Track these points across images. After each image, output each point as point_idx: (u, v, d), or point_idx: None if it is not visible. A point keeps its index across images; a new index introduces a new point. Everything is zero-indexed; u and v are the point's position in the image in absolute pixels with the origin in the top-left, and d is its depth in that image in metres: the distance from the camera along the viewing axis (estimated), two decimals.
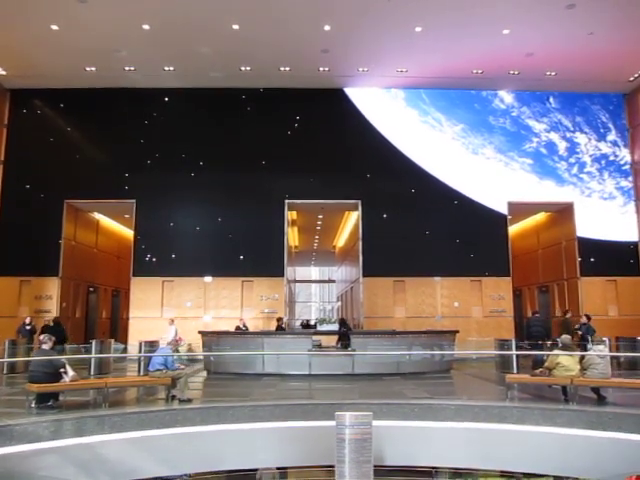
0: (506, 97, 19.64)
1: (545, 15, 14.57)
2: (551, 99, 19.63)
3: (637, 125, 19.12)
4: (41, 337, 9.37)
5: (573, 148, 19.44)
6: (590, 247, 18.49)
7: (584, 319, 13.98)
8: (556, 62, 17.25)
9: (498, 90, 19.40)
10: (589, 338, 12.44)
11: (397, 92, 19.37)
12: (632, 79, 18.34)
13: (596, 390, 9.04)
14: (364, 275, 18.28)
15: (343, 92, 19.10)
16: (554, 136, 19.51)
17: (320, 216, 22.80)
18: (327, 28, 15.22)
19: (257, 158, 18.61)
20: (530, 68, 17.51)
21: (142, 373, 11.83)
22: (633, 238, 18.74)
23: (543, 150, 19.41)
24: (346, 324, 15.33)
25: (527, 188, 19.06)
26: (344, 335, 13.97)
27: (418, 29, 15.31)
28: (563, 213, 19.59)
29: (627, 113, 19.50)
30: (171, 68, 17.44)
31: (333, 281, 38.55)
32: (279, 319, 16.38)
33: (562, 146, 19.45)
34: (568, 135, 19.54)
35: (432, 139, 19.27)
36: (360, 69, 17.78)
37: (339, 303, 33.42)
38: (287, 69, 17.54)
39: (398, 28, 15.29)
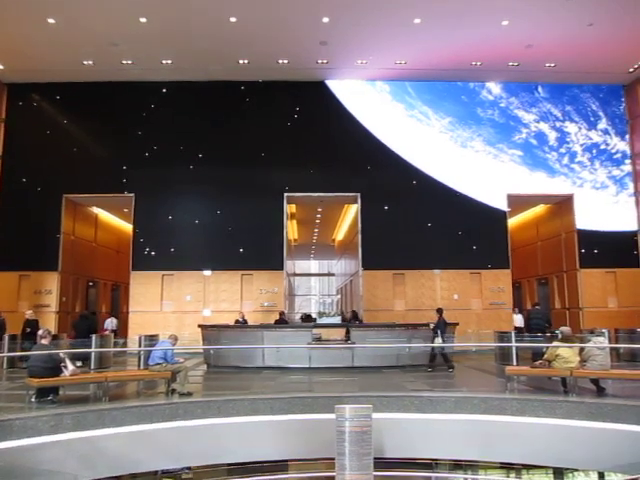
0: (494, 88, 19.49)
1: (544, 6, 14.51)
2: (539, 88, 19.50)
3: (637, 116, 19.06)
4: (40, 332, 9.36)
5: (563, 138, 19.33)
6: (589, 239, 18.48)
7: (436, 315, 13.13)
8: (555, 54, 17.17)
9: (498, 82, 19.31)
10: (438, 332, 12.51)
11: (382, 86, 19.23)
12: (632, 70, 18.26)
13: (595, 381, 9.06)
14: (364, 268, 18.28)
15: (341, 85, 19.03)
16: (544, 126, 19.38)
17: (319, 209, 22.78)
18: (325, 20, 15.14)
19: (256, 151, 18.55)
20: (529, 60, 17.44)
21: (142, 367, 11.83)
22: (631, 228, 18.72)
23: (533, 141, 19.29)
24: (357, 317, 15.42)
25: (526, 180, 19.02)
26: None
27: (417, 21, 15.24)
28: (562, 205, 19.56)
29: (627, 104, 19.43)
30: (169, 61, 17.35)
31: (332, 274, 38.58)
32: (281, 312, 16.41)
33: (552, 136, 19.31)
34: (558, 125, 19.41)
35: (421, 133, 19.11)
36: (359, 61, 17.69)
37: (339, 296, 33.45)
38: (285, 62, 17.45)
39: (397, 20, 15.20)
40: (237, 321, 15.60)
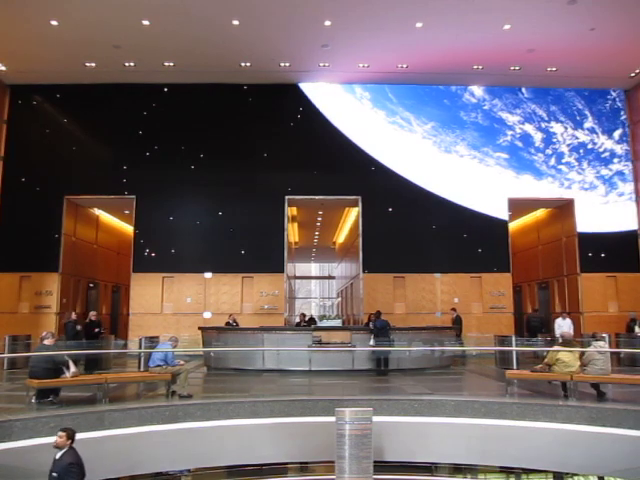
0: (476, 90, 19.33)
1: (546, 10, 14.52)
2: (523, 89, 19.37)
3: (638, 121, 19.07)
4: (43, 333, 9.38)
5: (550, 138, 19.22)
6: (590, 243, 18.44)
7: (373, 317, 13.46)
8: (557, 58, 17.19)
9: (497, 86, 19.29)
10: (371, 337, 12.75)
11: (363, 93, 19.14)
12: (633, 75, 18.28)
13: (596, 386, 9.05)
14: (364, 271, 18.28)
15: (339, 89, 19.06)
16: (529, 127, 19.22)
17: (320, 212, 22.78)
18: (327, 23, 15.17)
19: (258, 153, 18.57)
20: (531, 64, 17.46)
21: (142, 369, 11.83)
22: (630, 227, 18.67)
23: (519, 143, 19.18)
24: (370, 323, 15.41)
25: (527, 185, 18.99)
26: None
27: (419, 25, 15.27)
28: (563, 209, 19.55)
29: (628, 109, 19.42)
30: (171, 63, 17.39)
31: (333, 277, 38.60)
32: (303, 315, 16.58)
33: (538, 137, 19.19)
34: (543, 125, 19.28)
35: (406, 140, 19.01)
36: (360, 65, 17.72)
37: (339, 299, 33.46)
38: (287, 64, 17.50)
39: (399, 24, 15.22)
40: (227, 323, 15.43)
